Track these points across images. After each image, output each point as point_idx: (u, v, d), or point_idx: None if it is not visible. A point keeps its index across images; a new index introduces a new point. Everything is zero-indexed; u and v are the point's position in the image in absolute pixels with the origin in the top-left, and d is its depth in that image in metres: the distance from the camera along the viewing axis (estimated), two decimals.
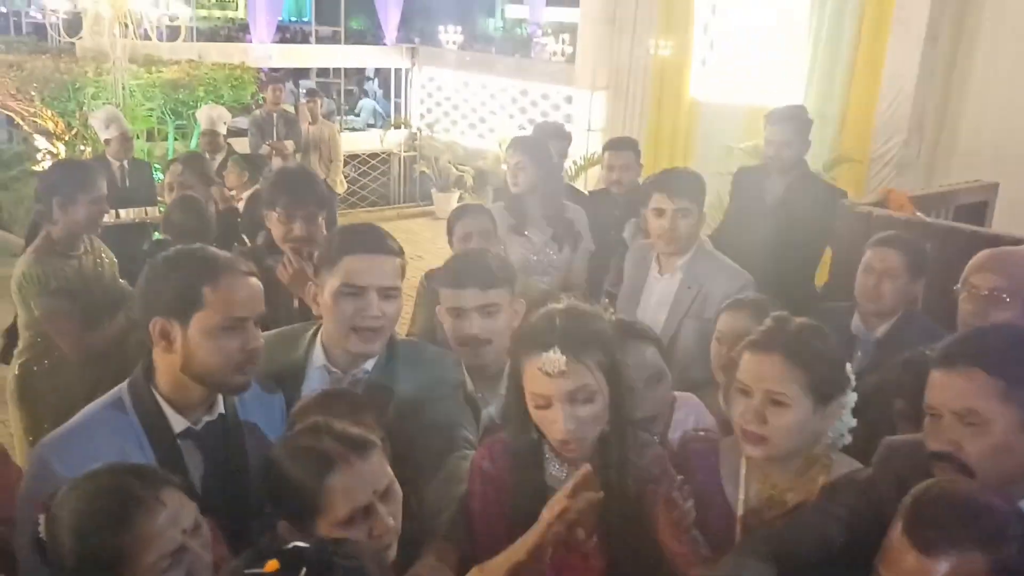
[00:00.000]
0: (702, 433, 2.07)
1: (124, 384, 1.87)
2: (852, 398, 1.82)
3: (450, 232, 3.29)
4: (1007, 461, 1.52)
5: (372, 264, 2.04)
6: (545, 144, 3.95)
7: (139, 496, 1.45)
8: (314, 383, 2.09)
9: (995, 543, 1.31)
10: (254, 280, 1.83)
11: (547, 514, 1.53)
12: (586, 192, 5.06)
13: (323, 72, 14.12)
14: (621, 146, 4.53)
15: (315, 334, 2.16)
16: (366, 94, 15.38)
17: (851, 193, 6.83)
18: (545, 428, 1.71)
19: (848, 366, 1.84)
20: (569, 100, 9.66)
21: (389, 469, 1.63)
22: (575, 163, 8.53)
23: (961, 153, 6.66)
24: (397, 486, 1.63)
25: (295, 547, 1.16)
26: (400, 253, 2.11)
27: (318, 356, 2.12)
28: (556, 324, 1.65)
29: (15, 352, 3.52)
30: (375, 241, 2.07)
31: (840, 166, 6.85)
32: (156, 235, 4.00)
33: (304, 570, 1.11)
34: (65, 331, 3.34)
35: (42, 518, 1.45)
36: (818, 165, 6.95)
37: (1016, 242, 2.78)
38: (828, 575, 1.62)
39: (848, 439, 1.85)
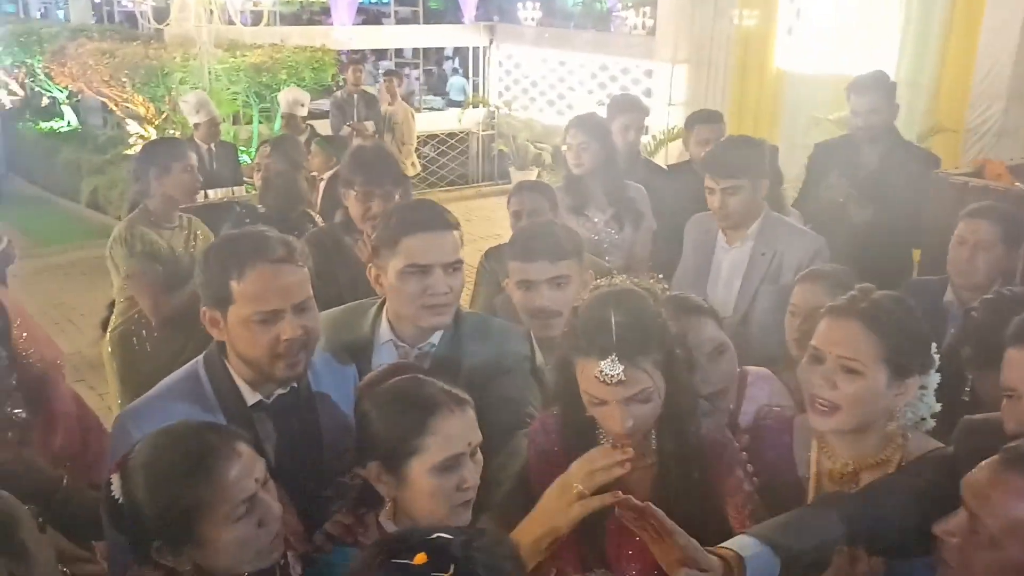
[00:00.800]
0: (776, 409, 2.01)
1: (200, 357, 1.92)
2: (935, 379, 1.73)
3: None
4: None
5: (433, 241, 2.03)
6: (606, 123, 3.87)
7: (215, 445, 1.49)
8: (383, 357, 2.10)
9: None
10: (288, 268, 1.80)
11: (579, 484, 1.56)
12: (665, 167, 4.94)
13: (400, 52, 14.19)
14: (712, 119, 4.34)
15: (379, 309, 2.17)
16: (456, 72, 15.44)
17: (947, 164, 6.57)
18: (600, 420, 1.69)
19: (934, 346, 1.75)
20: (649, 74, 9.48)
21: (478, 430, 1.66)
22: (654, 137, 8.38)
23: None
24: (480, 454, 1.66)
25: (440, 539, 1.14)
26: (457, 226, 2.11)
27: (384, 331, 2.13)
28: (612, 326, 1.59)
29: (111, 323, 3.69)
30: (433, 218, 2.06)
31: (934, 136, 6.56)
32: (260, 208, 4.16)
33: (452, 567, 1.10)
34: (146, 291, 3.50)
35: (115, 478, 1.49)
36: (911, 136, 6.67)
37: None
38: (898, 545, 1.56)
39: (930, 423, 1.76)
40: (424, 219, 2.05)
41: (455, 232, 2.09)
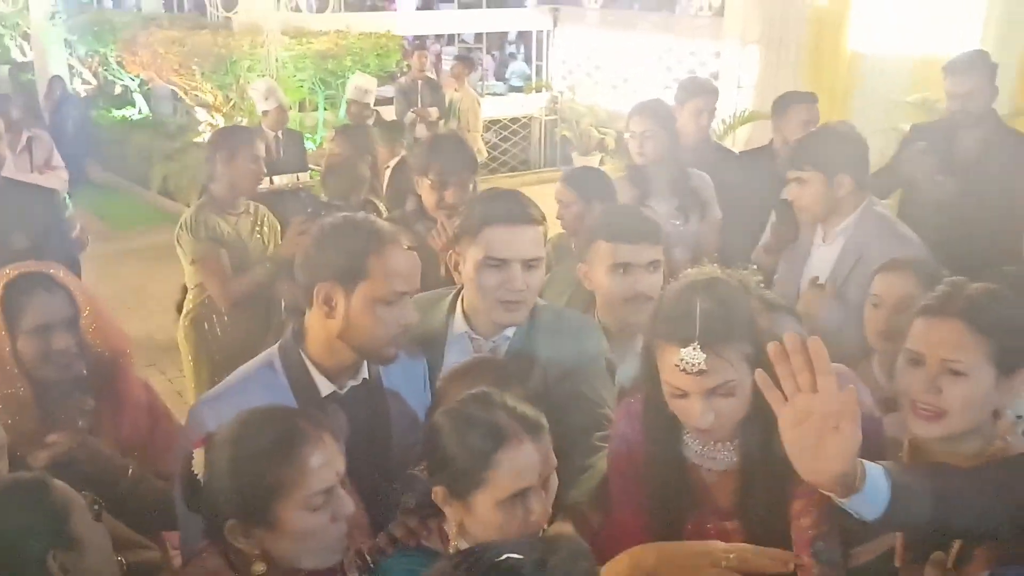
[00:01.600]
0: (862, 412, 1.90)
1: (275, 346, 1.91)
2: None
3: None
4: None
5: (514, 235, 1.98)
6: (671, 109, 3.75)
7: (304, 430, 1.49)
8: (455, 350, 2.07)
9: None
10: (414, 255, 1.83)
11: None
12: (735, 152, 4.80)
13: (462, 38, 14.16)
14: (807, 99, 4.01)
15: (454, 299, 2.13)
16: (513, 58, 15.36)
17: None
18: (681, 415, 1.62)
19: None
20: (717, 56, 9.27)
21: (554, 456, 1.57)
22: (724, 122, 8.19)
23: None
24: (555, 477, 1.58)
25: (510, 559, 1.10)
26: (542, 220, 2.06)
27: (459, 323, 2.10)
28: (696, 313, 1.52)
29: (184, 307, 3.75)
30: (517, 210, 2.01)
31: (1020, 119, 6.27)
32: (322, 197, 4.23)
33: None
34: (213, 276, 3.54)
35: (198, 453, 1.50)
36: None
37: None
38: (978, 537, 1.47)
39: None
40: (507, 211, 2.00)
41: (538, 227, 2.03)
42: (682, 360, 1.52)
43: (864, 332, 2.44)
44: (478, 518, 1.52)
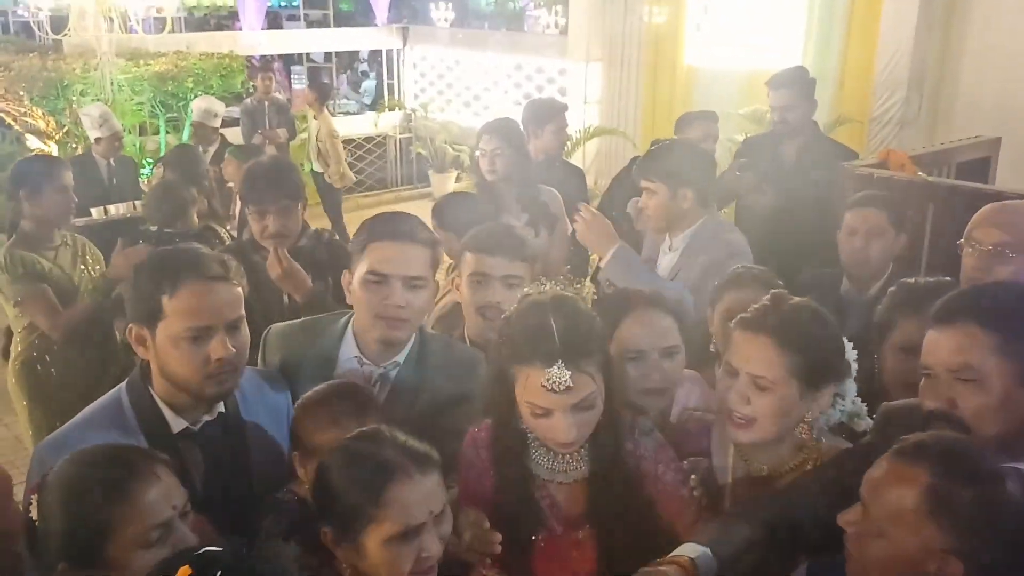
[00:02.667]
0: (698, 413, 2.03)
1: (123, 384, 1.85)
2: (851, 386, 1.76)
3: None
4: (1003, 418, 1.49)
5: (397, 252, 2.00)
6: (519, 126, 3.86)
7: (134, 465, 1.45)
8: (345, 375, 2.05)
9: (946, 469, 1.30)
10: (223, 286, 1.76)
11: None
12: (582, 168, 4.97)
13: (311, 56, 13.97)
14: (709, 117, 4.39)
15: (345, 324, 2.12)
16: (366, 76, 15.26)
17: None
18: (541, 433, 1.66)
19: (851, 349, 1.77)
20: (563, 73, 9.55)
21: (445, 492, 1.57)
22: (572, 137, 8.44)
23: (963, 108, 6.57)
24: (450, 511, 1.57)
25: (208, 551, 1.14)
26: (433, 244, 2.07)
27: (350, 347, 2.08)
28: (555, 332, 1.57)
29: (12, 352, 3.55)
30: (404, 229, 2.03)
31: (841, 126, 6.78)
32: (150, 227, 4.04)
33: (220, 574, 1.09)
34: (40, 311, 3.38)
35: (34, 498, 1.45)
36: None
37: (1020, 197, 2.71)
38: (822, 543, 1.58)
39: (867, 421, 1.79)
40: (393, 229, 2.02)
41: (425, 249, 2.04)
42: (549, 380, 1.55)
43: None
44: (369, 558, 1.47)
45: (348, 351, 2.08)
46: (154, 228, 3.98)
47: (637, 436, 1.75)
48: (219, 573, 1.09)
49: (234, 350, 1.76)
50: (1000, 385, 1.47)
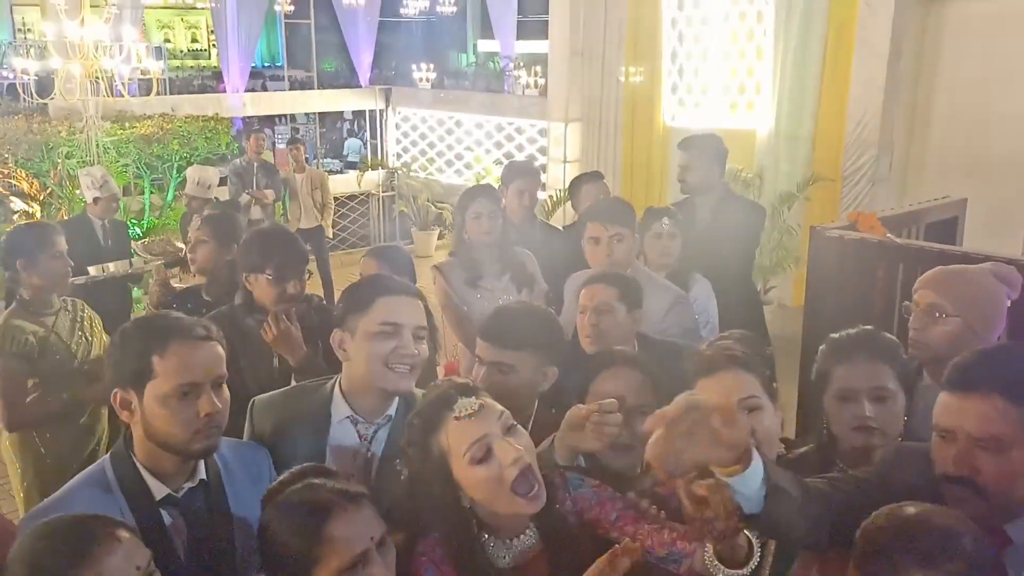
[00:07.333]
0: None
1: (107, 455, 1.89)
2: None
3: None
4: (1021, 485, 1.54)
5: (406, 304, 2.09)
6: (496, 190, 3.99)
7: (95, 531, 1.48)
8: (339, 436, 2.09)
9: (935, 560, 1.34)
10: (210, 345, 1.85)
11: None
12: (561, 228, 5.06)
13: (294, 116, 14.16)
14: (596, 178, 4.65)
15: (333, 386, 2.16)
16: (352, 134, 15.44)
17: (826, 211, 6.94)
18: (490, 491, 1.67)
19: None
20: (543, 133, 9.73)
21: (382, 521, 1.63)
22: (552, 197, 8.57)
23: (932, 167, 6.75)
24: (390, 538, 1.63)
25: None
26: (423, 297, 2.19)
27: (341, 408, 2.11)
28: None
29: None
30: (403, 286, 2.14)
31: (814, 184, 6.93)
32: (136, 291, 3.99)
33: None
34: (8, 394, 3.29)
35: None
36: (792, 186, 7.04)
37: (985, 259, 2.80)
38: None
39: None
40: (396, 285, 2.12)
41: (421, 302, 2.16)
42: (460, 411, 1.68)
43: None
44: None
45: (340, 412, 2.11)
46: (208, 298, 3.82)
47: (571, 493, 1.80)
48: None
49: (220, 406, 1.83)
50: (1021, 453, 1.53)
